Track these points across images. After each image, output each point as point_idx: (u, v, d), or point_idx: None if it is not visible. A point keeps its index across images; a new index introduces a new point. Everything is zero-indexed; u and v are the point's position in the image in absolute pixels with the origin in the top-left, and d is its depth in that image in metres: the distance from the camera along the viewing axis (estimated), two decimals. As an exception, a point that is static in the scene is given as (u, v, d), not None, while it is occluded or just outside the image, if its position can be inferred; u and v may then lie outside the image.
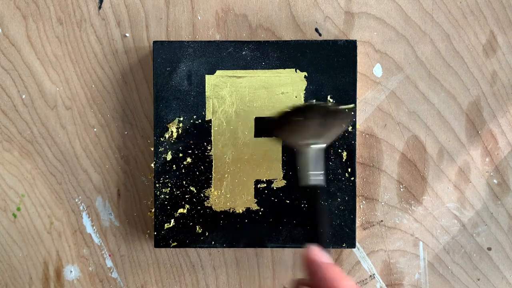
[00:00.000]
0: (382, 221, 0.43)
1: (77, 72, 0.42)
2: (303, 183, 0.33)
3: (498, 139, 0.42)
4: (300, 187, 0.34)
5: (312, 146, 0.34)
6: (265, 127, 0.37)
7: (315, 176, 0.33)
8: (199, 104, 0.40)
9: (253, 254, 0.43)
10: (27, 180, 0.43)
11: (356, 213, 0.41)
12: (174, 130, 0.40)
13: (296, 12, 0.42)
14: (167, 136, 0.40)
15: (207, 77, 0.40)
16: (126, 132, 0.43)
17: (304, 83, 0.40)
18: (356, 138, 0.40)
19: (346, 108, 0.37)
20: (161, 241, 0.40)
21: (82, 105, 0.43)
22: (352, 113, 0.39)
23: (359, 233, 0.42)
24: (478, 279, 0.43)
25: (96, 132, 0.43)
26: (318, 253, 0.29)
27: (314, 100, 0.39)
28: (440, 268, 0.43)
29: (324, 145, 0.35)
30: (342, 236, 0.40)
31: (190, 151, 0.40)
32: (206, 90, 0.40)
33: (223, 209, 0.40)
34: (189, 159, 0.40)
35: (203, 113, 0.40)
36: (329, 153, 0.40)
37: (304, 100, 0.40)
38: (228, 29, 0.42)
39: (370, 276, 0.43)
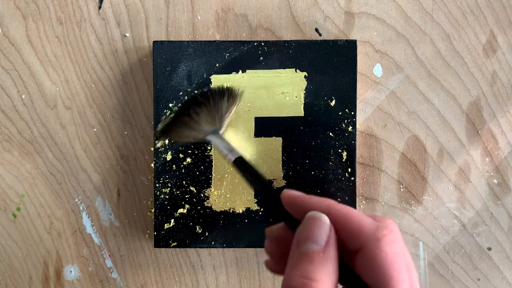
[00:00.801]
0: (382, 221, 0.43)
1: (77, 72, 0.42)
2: (230, 160, 0.34)
3: (498, 139, 0.42)
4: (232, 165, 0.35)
5: (215, 137, 0.36)
6: (162, 135, 0.39)
7: (228, 152, 0.34)
8: (199, 104, 0.40)
9: (253, 254, 0.43)
10: (27, 180, 0.43)
11: (356, 213, 0.41)
12: (174, 130, 0.40)
13: (296, 12, 0.42)
14: (167, 136, 0.40)
15: (213, 77, 0.40)
16: (126, 132, 0.43)
17: (304, 83, 0.40)
18: (356, 138, 0.40)
19: (220, 88, 0.38)
20: (161, 241, 0.40)
21: (82, 105, 0.43)
22: (237, 90, 0.40)
23: (359, 233, 0.42)
24: (478, 279, 0.43)
25: (96, 132, 0.43)
26: (290, 191, 0.28)
27: (193, 93, 0.40)
28: (440, 268, 0.43)
29: (222, 130, 0.37)
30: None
31: (190, 151, 0.40)
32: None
33: (223, 209, 0.40)
34: (189, 159, 0.40)
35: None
36: (329, 153, 0.40)
37: (304, 100, 0.40)
38: (228, 29, 0.42)
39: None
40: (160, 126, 0.39)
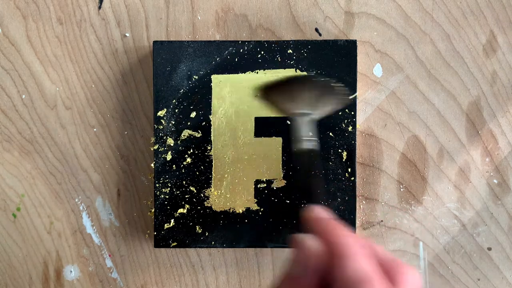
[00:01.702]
0: (382, 221, 0.43)
1: (77, 72, 0.42)
2: (297, 148, 0.33)
3: (498, 139, 0.42)
4: (295, 153, 0.34)
5: (305, 116, 0.34)
6: (266, 89, 0.36)
7: (308, 141, 0.33)
8: (199, 104, 0.40)
9: (253, 254, 0.43)
10: (27, 180, 0.43)
11: (356, 213, 0.41)
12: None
13: (296, 12, 0.42)
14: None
15: (213, 77, 0.40)
16: (126, 132, 0.43)
17: (304, 83, 0.40)
18: (356, 138, 0.40)
19: (345, 90, 0.37)
20: (161, 241, 0.40)
21: (82, 105, 0.43)
22: (351, 96, 0.39)
23: (359, 233, 0.42)
24: (478, 279, 0.43)
25: (96, 132, 0.43)
26: (318, 210, 0.27)
27: (315, 73, 0.40)
28: (440, 268, 0.43)
29: (317, 117, 0.35)
30: (342, 236, 0.40)
31: (190, 151, 0.40)
32: (213, 90, 0.40)
33: (223, 209, 0.40)
34: (189, 159, 0.40)
35: (203, 112, 0.40)
36: (329, 153, 0.40)
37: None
38: (228, 29, 0.42)
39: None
40: (267, 83, 0.37)
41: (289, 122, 0.40)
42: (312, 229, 0.25)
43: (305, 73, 0.40)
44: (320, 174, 0.34)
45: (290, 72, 0.40)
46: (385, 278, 0.22)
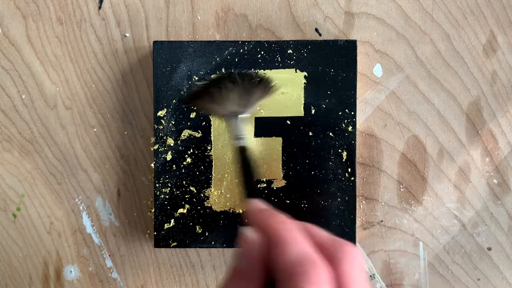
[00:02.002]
0: (382, 221, 0.43)
1: (77, 72, 0.42)
2: (233, 145, 0.34)
3: (498, 139, 0.42)
4: (235, 149, 0.35)
5: (237, 116, 0.35)
6: (187, 100, 0.37)
7: (238, 139, 0.34)
8: (199, 104, 0.40)
9: (253, 254, 0.43)
10: (27, 180, 0.43)
11: (356, 213, 0.41)
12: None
13: (296, 12, 0.42)
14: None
15: (214, 77, 0.40)
16: (126, 132, 0.43)
17: (304, 83, 0.40)
18: (356, 138, 0.40)
19: (264, 79, 0.36)
20: (161, 241, 0.40)
21: (82, 105, 0.43)
22: (273, 83, 0.38)
23: (359, 233, 0.42)
24: (478, 279, 0.43)
25: (96, 132, 0.43)
26: (255, 202, 0.27)
27: (233, 71, 0.39)
28: (440, 268, 0.43)
29: (248, 114, 0.36)
30: (342, 236, 0.40)
31: (190, 151, 0.40)
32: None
33: (223, 209, 0.40)
34: (189, 159, 0.40)
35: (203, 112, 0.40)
36: (329, 153, 0.40)
37: (304, 100, 0.40)
38: (228, 29, 0.42)
39: (370, 276, 0.43)
40: (188, 92, 0.37)
41: (289, 122, 0.40)
42: (251, 221, 0.26)
43: (223, 72, 0.39)
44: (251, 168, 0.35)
45: (290, 72, 0.40)
46: (325, 257, 0.22)
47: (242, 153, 0.33)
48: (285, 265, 0.21)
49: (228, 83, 0.34)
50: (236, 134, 0.34)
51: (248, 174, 0.32)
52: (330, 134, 0.40)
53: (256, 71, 0.40)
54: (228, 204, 0.40)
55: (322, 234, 0.24)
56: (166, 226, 0.40)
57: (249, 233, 0.24)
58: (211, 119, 0.40)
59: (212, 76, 0.39)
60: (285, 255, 0.22)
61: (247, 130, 0.40)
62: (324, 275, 0.20)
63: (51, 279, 0.43)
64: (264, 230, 0.24)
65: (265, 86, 0.36)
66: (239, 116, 0.35)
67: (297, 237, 0.23)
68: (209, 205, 0.40)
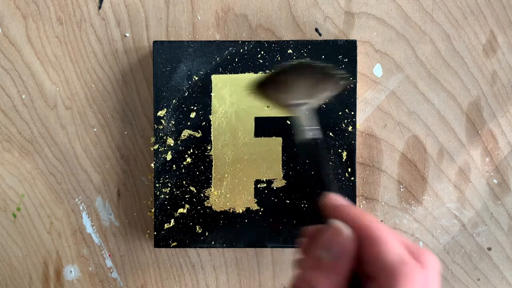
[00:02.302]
0: (382, 221, 0.43)
1: (77, 72, 0.42)
2: (299, 138, 0.33)
3: (498, 139, 0.42)
4: (298, 144, 0.33)
5: (304, 106, 0.33)
6: (259, 85, 0.35)
7: (311, 130, 0.32)
8: (199, 104, 0.40)
9: (253, 254, 0.43)
10: (27, 180, 0.43)
11: (356, 213, 0.41)
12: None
13: (296, 12, 0.42)
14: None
15: (213, 77, 0.40)
16: (126, 132, 0.43)
17: (304, 83, 0.40)
18: (356, 138, 0.40)
19: (341, 75, 0.36)
20: (161, 241, 0.40)
21: (82, 105, 0.43)
22: (350, 79, 0.38)
23: (359, 233, 0.42)
24: (478, 279, 0.43)
25: (96, 132, 0.43)
26: (337, 198, 0.27)
27: (308, 59, 0.39)
28: (440, 268, 0.43)
29: (316, 105, 0.34)
30: (342, 236, 0.40)
31: (190, 151, 0.40)
32: (212, 90, 0.40)
33: (223, 209, 0.40)
34: (189, 159, 0.40)
35: (203, 112, 0.40)
36: (329, 153, 0.40)
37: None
38: (228, 29, 0.42)
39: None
40: (260, 78, 0.35)
41: (289, 122, 0.40)
42: (336, 215, 0.26)
43: (300, 60, 0.39)
44: (326, 162, 0.33)
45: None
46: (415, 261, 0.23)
47: (315, 146, 0.31)
48: (387, 264, 0.22)
49: (302, 72, 0.33)
50: (307, 125, 0.32)
51: (323, 168, 0.30)
52: (330, 134, 0.40)
53: (330, 65, 0.38)
54: (228, 204, 0.40)
55: (404, 238, 0.25)
56: (166, 226, 0.40)
57: (342, 227, 0.24)
58: (211, 119, 0.40)
59: (283, 64, 0.37)
60: (387, 255, 0.23)
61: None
62: (419, 278, 0.22)
63: (51, 279, 0.43)
64: (356, 227, 0.24)
65: (340, 79, 0.35)
66: (308, 105, 0.33)
67: (393, 238, 0.24)
68: (209, 205, 0.40)
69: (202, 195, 0.40)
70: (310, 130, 0.32)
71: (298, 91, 0.33)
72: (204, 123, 0.40)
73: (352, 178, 0.40)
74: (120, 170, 0.43)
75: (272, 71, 0.34)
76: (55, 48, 0.42)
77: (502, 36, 0.42)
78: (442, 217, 0.43)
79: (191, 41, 0.40)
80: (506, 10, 0.42)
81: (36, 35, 0.42)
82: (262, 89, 0.35)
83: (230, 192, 0.40)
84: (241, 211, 0.40)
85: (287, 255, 0.43)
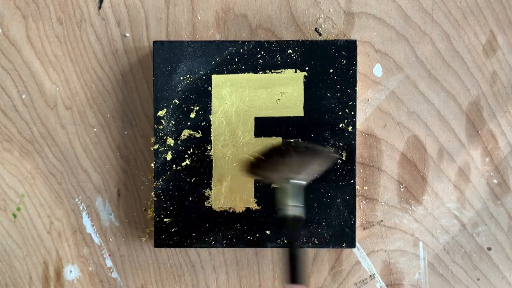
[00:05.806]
0: (382, 221, 0.43)
1: (77, 72, 0.42)
2: (281, 214, 0.32)
3: (498, 139, 0.42)
4: (277, 219, 0.33)
5: (291, 181, 0.34)
6: (250, 166, 0.36)
7: (295, 208, 0.33)
8: (199, 104, 0.40)
9: (253, 254, 0.43)
10: (27, 180, 0.43)
11: (356, 213, 0.41)
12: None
13: (296, 12, 0.42)
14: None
15: (213, 77, 0.40)
16: (126, 132, 0.43)
17: (304, 83, 0.40)
18: (356, 138, 0.40)
19: (328, 151, 0.36)
20: (161, 241, 0.40)
21: (82, 105, 0.43)
22: (336, 155, 0.39)
23: (359, 233, 0.42)
24: (478, 279, 0.43)
25: (96, 132, 0.43)
26: None
27: (293, 140, 0.39)
28: (440, 268, 0.43)
29: (304, 182, 0.35)
30: (342, 236, 0.40)
31: (190, 151, 0.40)
32: (212, 90, 0.40)
33: (223, 209, 0.40)
34: (189, 159, 0.40)
35: (203, 112, 0.40)
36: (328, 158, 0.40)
37: (304, 100, 0.40)
38: (228, 29, 0.42)
39: (370, 276, 0.43)
40: (250, 160, 0.36)
41: (289, 122, 0.40)
42: None
43: (290, 140, 0.39)
44: (304, 240, 0.33)
45: (290, 72, 0.40)
46: None
47: (295, 223, 0.31)
48: None
49: (291, 151, 0.34)
50: (292, 202, 0.32)
51: (295, 255, 0.30)
52: (330, 134, 0.40)
53: (319, 145, 0.39)
54: (228, 204, 0.40)
55: None
56: (166, 226, 0.40)
57: None
58: (211, 119, 0.40)
59: (274, 144, 0.38)
60: None
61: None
62: None
63: (51, 279, 0.44)
64: None
65: (326, 158, 0.36)
66: (295, 182, 0.34)
67: None
68: (209, 205, 0.40)
69: (202, 195, 0.40)
70: (293, 207, 0.33)
71: (287, 170, 0.34)
72: (204, 123, 0.40)
73: (352, 179, 0.40)
74: (120, 170, 0.43)
75: (262, 152, 0.35)
76: (55, 48, 0.42)
77: (502, 36, 0.42)
78: (442, 217, 0.43)
79: (191, 41, 0.40)
80: (506, 10, 0.42)
81: (36, 35, 0.42)
82: (253, 169, 0.36)
83: (230, 192, 0.40)
84: (241, 211, 0.40)
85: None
